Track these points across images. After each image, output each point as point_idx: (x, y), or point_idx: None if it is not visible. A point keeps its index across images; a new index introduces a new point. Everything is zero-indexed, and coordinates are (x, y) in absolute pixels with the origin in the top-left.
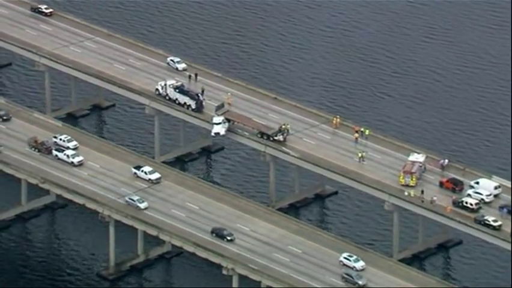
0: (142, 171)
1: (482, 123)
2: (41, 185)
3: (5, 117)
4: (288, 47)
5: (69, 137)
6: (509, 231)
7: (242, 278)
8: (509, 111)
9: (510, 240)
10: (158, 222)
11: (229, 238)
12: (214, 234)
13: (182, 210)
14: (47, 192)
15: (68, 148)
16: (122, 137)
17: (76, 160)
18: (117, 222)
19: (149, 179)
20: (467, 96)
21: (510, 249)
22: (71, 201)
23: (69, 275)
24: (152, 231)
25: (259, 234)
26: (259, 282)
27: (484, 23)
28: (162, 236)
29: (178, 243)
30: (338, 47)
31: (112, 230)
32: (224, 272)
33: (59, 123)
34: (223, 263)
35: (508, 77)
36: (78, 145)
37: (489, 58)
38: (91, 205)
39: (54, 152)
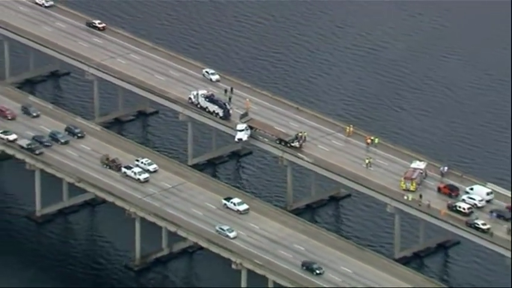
0: (232, 202)
1: (485, 135)
2: (77, 184)
3: (79, 135)
4: (317, 63)
5: (149, 161)
6: (500, 234)
7: (250, 272)
8: (509, 125)
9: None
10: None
11: (318, 272)
12: (304, 268)
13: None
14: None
15: (148, 171)
16: (162, 141)
17: (142, 177)
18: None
19: (238, 210)
20: (473, 110)
21: (511, 255)
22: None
23: (100, 265)
24: (172, 228)
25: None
26: (266, 277)
27: (498, 45)
28: (180, 232)
29: (194, 239)
30: (360, 64)
31: (137, 225)
32: (233, 266)
33: (98, 127)
34: (232, 258)
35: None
36: (157, 168)
37: (496, 76)
38: (119, 203)
39: (123, 169)
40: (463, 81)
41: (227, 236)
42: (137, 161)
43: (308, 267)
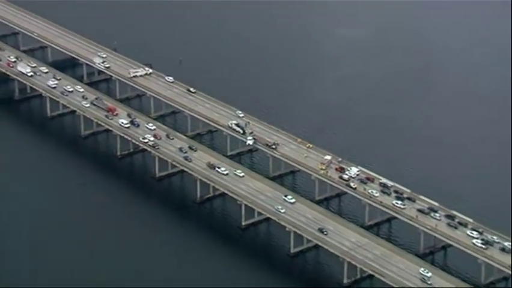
0: (287, 197)
1: (363, 145)
2: (175, 164)
3: (194, 149)
4: (291, 110)
5: (240, 170)
6: (360, 190)
7: (248, 208)
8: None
9: None
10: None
11: (325, 233)
12: (319, 231)
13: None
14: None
15: (235, 174)
16: (218, 142)
17: (224, 172)
18: (202, 181)
19: (290, 202)
20: (364, 133)
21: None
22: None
23: (179, 200)
24: (211, 183)
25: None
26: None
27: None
28: (214, 185)
29: (221, 190)
30: (313, 110)
31: (198, 183)
32: (238, 202)
33: (187, 138)
34: (238, 198)
35: None
36: (244, 174)
37: (403, 117)
38: (191, 173)
39: (216, 169)
40: (360, 116)
41: (279, 212)
42: (235, 170)
43: (322, 231)
